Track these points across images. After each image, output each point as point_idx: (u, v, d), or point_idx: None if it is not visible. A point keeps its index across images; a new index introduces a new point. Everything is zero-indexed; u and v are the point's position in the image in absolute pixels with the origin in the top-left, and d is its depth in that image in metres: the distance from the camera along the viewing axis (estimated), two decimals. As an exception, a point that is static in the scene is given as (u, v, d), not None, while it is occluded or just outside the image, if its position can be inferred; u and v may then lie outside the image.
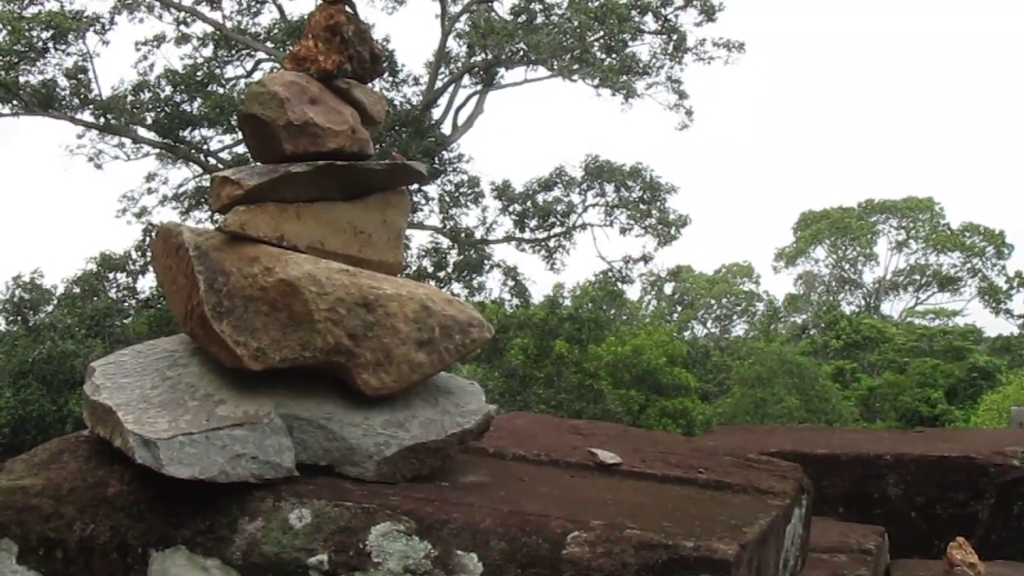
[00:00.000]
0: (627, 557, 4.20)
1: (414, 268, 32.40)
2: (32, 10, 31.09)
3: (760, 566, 4.80)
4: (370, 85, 5.35)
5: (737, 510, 5.02)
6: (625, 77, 33.44)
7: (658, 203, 35.00)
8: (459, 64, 35.62)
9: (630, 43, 34.03)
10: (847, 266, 74.25)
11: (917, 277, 73.71)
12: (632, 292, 69.18)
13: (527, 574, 4.22)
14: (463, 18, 35.12)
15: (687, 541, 4.26)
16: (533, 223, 34.69)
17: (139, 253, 31.52)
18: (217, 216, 5.00)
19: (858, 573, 7.43)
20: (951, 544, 7.81)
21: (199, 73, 33.11)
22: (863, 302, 74.22)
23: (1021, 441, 11.08)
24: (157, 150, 34.14)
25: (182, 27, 34.02)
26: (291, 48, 5.29)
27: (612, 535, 4.28)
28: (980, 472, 10.18)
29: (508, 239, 35.06)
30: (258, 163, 5.02)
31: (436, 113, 34.83)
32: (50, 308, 32.88)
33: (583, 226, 35.24)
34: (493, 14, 34.61)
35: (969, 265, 72.63)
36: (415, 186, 32.34)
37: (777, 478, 5.81)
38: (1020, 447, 10.64)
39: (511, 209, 34.52)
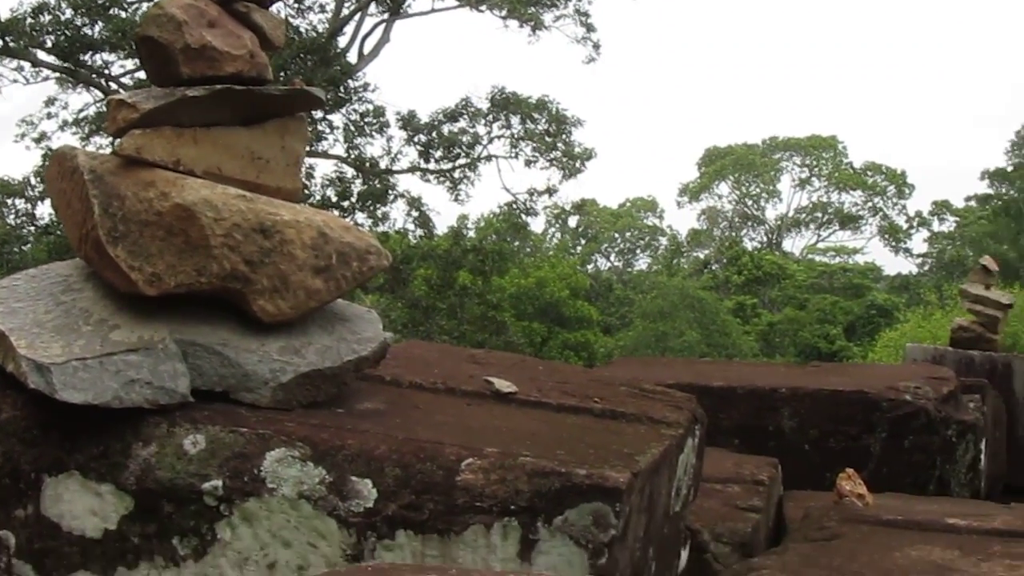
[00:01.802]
0: (520, 484, 4.23)
1: (318, 197, 32.17)
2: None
3: (652, 494, 4.86)
4: (272, 10, 5.29)
5: (631, 439, 5.06)
6: (533, 9, 33.35)
7: (563, 136, 35.01)
8: (366, -9, 35.31)
9: (538, -26, 33.89)
10: (750, 202, 74.85)
11: (819, 215, 74.47)
12: (536, 225, 69.03)
13: (421, 500, 4.24)
14: (371, -56, 34.79)
15: (580, 469, 4.30)
16: (438, 154, 34.56)
17: (38, 179, 31.01)
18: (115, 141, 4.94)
19: (751, 503, 7.53)
20: (840, 475, 7.93)
21: (101, -4, 32.56)
22: (765, 238, 74.90)
23: (914, 377, 11.26)
24: (57, 74, 33.54)
25: (84, -52, 33.41)
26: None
27: (506, 462, 4.32)
28: (873, 407, 10.34)
29: (413, 169, 34.92)
30: (155, 87, 4.97)
31: (342, 41, 34.53)
32: (-55, 234, 32.37)
33: (488, 158, 35.19)
34: (401, -59, 34.32)
35: (870, 204, 73.48)
36: (320, 115, 32.13)
37: (671, 408, 5.86)
38: (913, 382, 10.81)
39: (416, 139, 34.36)
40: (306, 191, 30.12)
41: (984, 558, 5.84)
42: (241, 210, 4.70)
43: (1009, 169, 60.55)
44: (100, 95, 33.41)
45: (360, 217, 33.03)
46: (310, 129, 26.91)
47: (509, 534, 4.19)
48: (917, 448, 10.32)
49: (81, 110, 34.22)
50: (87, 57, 32.61)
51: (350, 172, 34.27)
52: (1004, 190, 60.71)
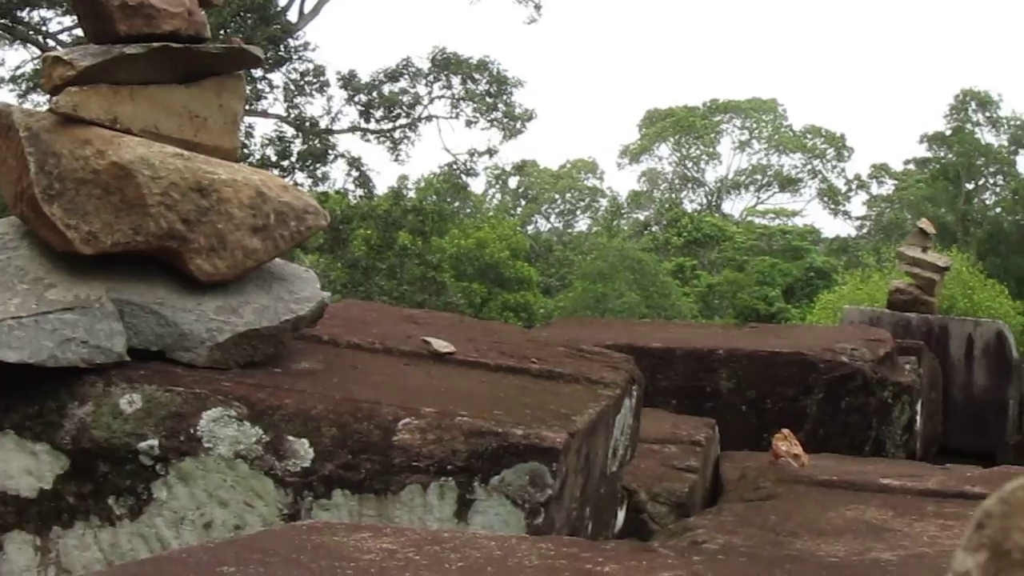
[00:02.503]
0: (457, 444, 4.25)
1: (257, 157, 32.00)
2: None
3: (589, 455, 4.88)
4: (209, -33, 5.26)
5: (568, 399, 5.09)
6: (474, -31, 33.25)
7: (504, 97, 35.01)
8: (307, -50, 35.05)
9: (480, -66, 33.78)
10: (690, 164, 75.01)
11: (758, 177, 74.72)
12: (476, 185, 69.13)
13: (358, 460, 4.25)
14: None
15: (517, 429, 4.32)
16: (378, 114, 34.43)
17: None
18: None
19: (687, 463, 7.58)
20: (776, 436, 7.98)
21: (38, -49, 32.18)
22: (705, 200, 75.11)
23: (851, 339, 11.35)
24: (-6, 31, 33.20)
25: (21, -99, 32.99)
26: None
27: (443, 422, 4.33)
28: (810, 368, 10.42)
29: (353, 129, 34.79)
30: (92, 44, 4.92)
31: (282, 0, 34.31)
32: None
33: (429, 118, 35.11)
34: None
35: (810, 167, 73.84)
36: (260, 74, 31.92)
37: (609, 369, 5.88)
38: (850, 344, 10.90)
39: (356, 99, 34.21)
40: (245, 150, 29.95)
41: (918, 518, 5.91)
42: (178, 168, 4.67)
43: (948, 133, 61.04)
44: (37, 52, 33.01)
45: (300, 177, 32.87)
46: (249, 88, 26.70)
47: (446, 494, 4.20)
48: (853, 409, 10.42)
49: (18, 67, 33.80)
50: (24, 13, 32.23)
51: (290, 131, 34.08)
52: (943, 154, 61.22)
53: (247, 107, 26.32)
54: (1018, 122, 61.80)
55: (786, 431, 8.08)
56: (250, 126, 32.42)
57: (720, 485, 7.97)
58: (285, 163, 32.81)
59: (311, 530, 3.36)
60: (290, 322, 4.91)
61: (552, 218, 76.10)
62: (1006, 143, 61.92)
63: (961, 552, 0.99)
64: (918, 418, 11.17)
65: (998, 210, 58.57)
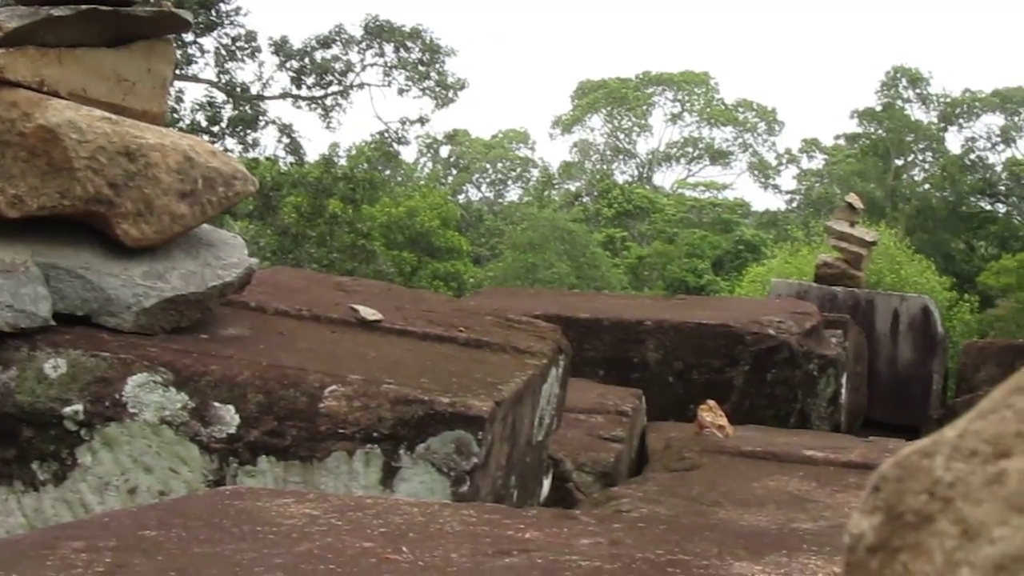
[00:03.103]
0: (383, 412, 4.26)
1: (187, 122, 31.72)
2: None
3: (515, 424, 4.91)
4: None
5: (495, 368, 5.11)
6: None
7: (437, 65, 34.89)
8: (238, -88, 34.74)
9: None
10: (622, 136, 75.07)
11: (690, 150, 74.91)
12: (408, 154, 68.90)
13: (284, 427, 4.26)
14: None
15: (443, 397, 4.34)
16: (310, 80, 34.21)
17: None
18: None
19: (614, 433, 7.63)
20: (701, 407, 8.06)
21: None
22: (636, 172, 75.22)
23: (778, 312, 11.45)
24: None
25: None
26: None
27: (369, 390, 4.34)
28: (736, 340, 10.50)
29: (284, 96, 34.55)
30: (19, 5, 4.88)
31: (213, -36, 34.03)
32: None
33: (361, 85, 34.94)
34: None
35: (741, 140, 74.12)
36: (190, 38, 31.63)
37: (536, 339, 5.91)
38: (776, 317, 10.99)
39: (288, 65, 33.97)
40: (174, 115, 29.71)
41: (839, 489, 5.99)
42: (106, 132, 4.64)
43: (878, 109, 61.49)
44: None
45: (230, 143, 32.62)
46: (179, 52, 26.45)
47: (371, 461, 4.22)
48: (779, 381, 10.51)
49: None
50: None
51: (220, 97, 33.80)
52: (873, 129, 61.66)
53: (177, 72, 26.11)
54: (948, 99, 62.35)
55: (711, 402, 8.15)
56: (180, 91, 32.13)
57: (646, 455, 8.03)
58: (215, 129, 32.55)
59: (234, 495, 3.37)
60: (217, 288, 4.90)
61: (483, 188, 75.99)
62: (935, 120, 62.47)
63: (857, 514, 1.02)
64: (843, 391, 11.28)
65: (926, 186, 59.13)
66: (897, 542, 0.97)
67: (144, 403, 4.28)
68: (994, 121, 61.31)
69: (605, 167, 74.36)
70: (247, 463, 4.24)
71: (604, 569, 2.76)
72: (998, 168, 59.07)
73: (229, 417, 4.27)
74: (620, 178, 72.29)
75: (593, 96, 73.62)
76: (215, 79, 33.65)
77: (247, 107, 33.27)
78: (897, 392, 16.14)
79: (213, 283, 4.88)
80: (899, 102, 62.09)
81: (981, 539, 0.90)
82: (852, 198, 18.88)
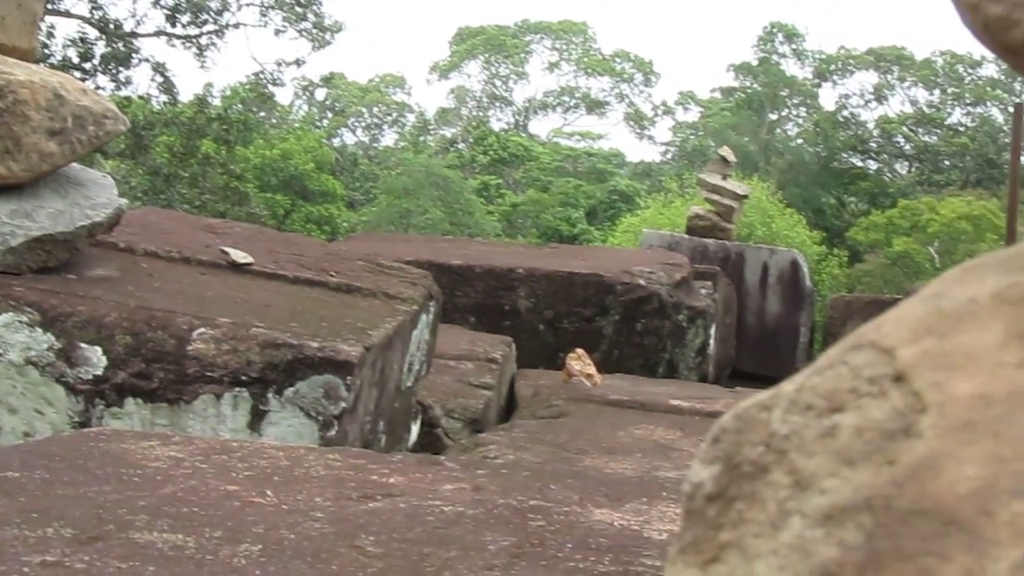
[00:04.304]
0: (252, 355, 4.26)
1: (58, 58, 31.17)
2: None
3: (385, 368, 4.93)
4: None
5: (365, 313, 5.13)
6: None
7: (314, 7, 34.63)
8: None
9: None
10: (499, 83, 75.03)
11: (566, 99, 75.06)
12: (283, 96, 68.20)
13: (151, 369, 4.24)
14: None
15: (312, 341, 4.35)
16: (185, 19, 33.76)
17: None
18: None
19: (483, 380, 7.68)
20: (570, 355, 8.13)
21: None
22: (512, 120, 75.27)
23: (649, 262, 11.56)
24: None
25: None
26: None
27: (238, 333, 4.34)
28: (607, 290, 10.60)
29: (158, 34, 34.05)
30: None
31: None
32: None
33: (236, 25, 34.57)
34: None
35: (617, 90, 74.39)
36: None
37: (407, 284, 5.93)
38: (647, 268, 11.10)
39: (162, 3, 33.52)
40: (45, 51, 29.16)
41: (704, 439, 6.09)
42: (-28, 68, 4.57)
43: (754, 63, 62.20)
44: None
45: (102, 80, 32.10)
46: (51, -14, 25.96)
47: (239, 404, 4.22)
48: (648, 331, 10.64)
49: None
50: None
51: (93, 33, 33.22)
52: (748, 83, 62.33)
53: (48, 7, 25.63)
54: (823, 56, 63.19)
55: (580, 351, 8.23)
56: (51, 26, 31.54)
57: (515, 402, 8.09)
58: (87, 66, 32.00)
59: (98, 437, 3.36)
60: (86, 228, 4.85)
61: (358, 132, 75.52)
62: (810, 76, 63.34)
63: (697, 463, 1.06)
64: (711, 342, 11.44)
65: (800, 141, 59.93)
66: (734, 491, 1.01)
67: (9, 343, 4.24)
68: (867, 79, 62.37)
69: (482, 114, 74.29)
70: (114, 405, 4.22)
71: (466, 515, 2.79)
72: (870, 125, 60.12)
73: (96, 358, 4.24)
74: (496, 125, 72.28)
75: (471, 42, 73.48)
76: (88, 15, 33.06)
77: (120, 44, 32.75)
78: (765, 344, 16.39)
79: (82, 223, 4.82)
80: (775, 57, 62.85)
81: (812, 490, 0.94)
82: (725, 151, 19.09)
